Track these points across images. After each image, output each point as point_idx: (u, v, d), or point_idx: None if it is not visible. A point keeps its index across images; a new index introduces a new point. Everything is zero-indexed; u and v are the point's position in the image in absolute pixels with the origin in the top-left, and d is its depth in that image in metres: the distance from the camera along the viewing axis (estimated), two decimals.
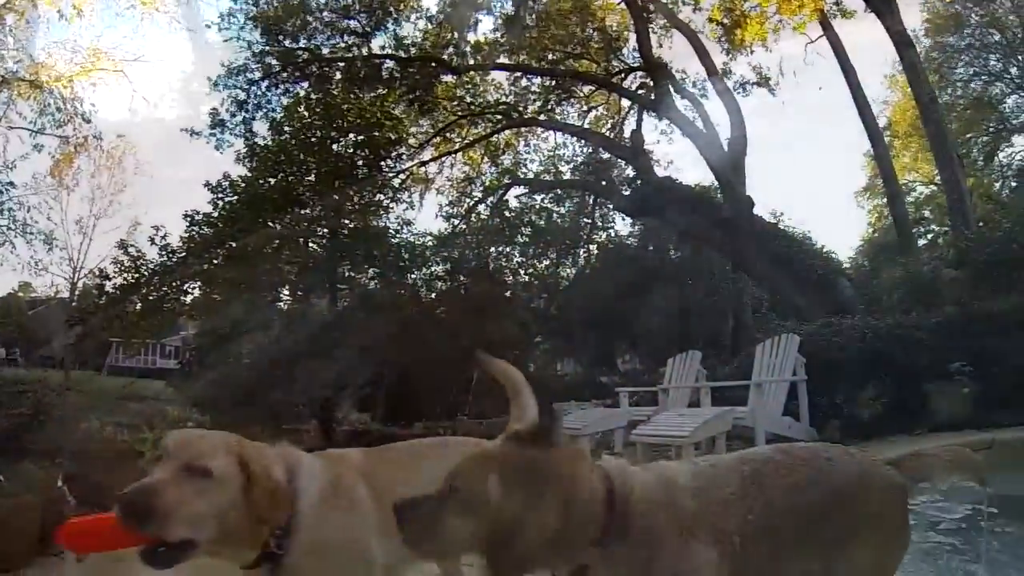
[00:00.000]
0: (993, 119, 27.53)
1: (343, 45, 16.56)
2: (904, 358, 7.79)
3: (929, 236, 25.03)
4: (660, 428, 6.31)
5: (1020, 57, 26.25)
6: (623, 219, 19.28)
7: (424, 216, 45.76)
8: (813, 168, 53.99)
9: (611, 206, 18.64)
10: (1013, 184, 27.27)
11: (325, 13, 16.31)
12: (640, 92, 18.11)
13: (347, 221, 12.06)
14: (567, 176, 19.53)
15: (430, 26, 17.14)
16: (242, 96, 16.10)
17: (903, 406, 7.40)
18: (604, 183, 18.28)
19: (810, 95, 52.19)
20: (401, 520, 1.59)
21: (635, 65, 17.99)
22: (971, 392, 7.29)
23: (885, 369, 7.76)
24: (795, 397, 7.41)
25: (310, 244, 12.01)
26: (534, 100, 19.24)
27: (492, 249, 17.96)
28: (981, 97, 27.14)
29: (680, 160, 40.50)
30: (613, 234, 19.92)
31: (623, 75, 18.82)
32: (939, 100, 25.86)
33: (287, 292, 12.24)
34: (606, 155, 18.70)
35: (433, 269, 15.16)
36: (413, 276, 13.82)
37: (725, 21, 17.17)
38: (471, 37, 17.54)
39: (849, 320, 8.72)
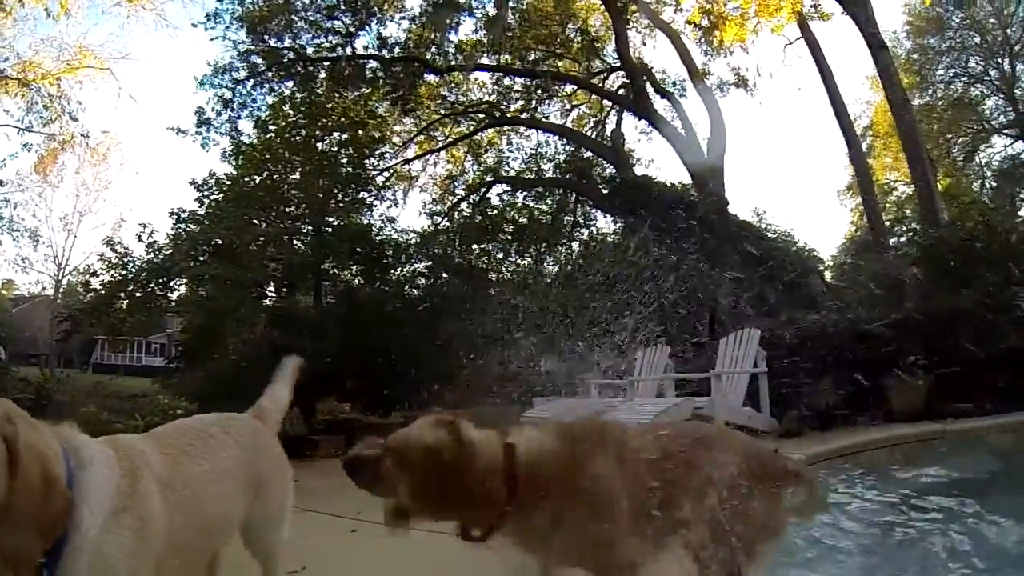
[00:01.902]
0: (973, 120, 27.92)
1: (327, 45, 16.84)
2: (863, 352, 8.13)
3: (909, 234, 25.46)
4: (622, 416, 6.60)
5: (1000, 60, 26.69)
6: (605, 216, 19.57)
7: (408, 213, 45.99)
8: (799, 167, 54.74)
9: (591, 203, 18.89)
10: (993, 184, 27.77)
11: (310, 13, 16.57)
12: (620, 92, 18.39)
13: (331, 219, 12.18)
14: (549, 174, 19.76)
15: (413, 26, 17.40)
16: (228, 95, 16.42)
17: (861, 397, 7.72)
18: (585, 181, 18.50)
19: (797, 95, 52.88)
20: (350, 473, 2.06)
21: (616, 65, 18.25)
22: (925, 385, 7.61)
23: (845, 362, 8.08)
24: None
25: (295, 241, 12.12)
26: (516, 99, 19.54)
27: (475, 246, 18.15)
28: (961, 98, 27.57)
29: (662, 159, 40.96)
30: (595, 231, 20.14)
31: (605, 75, 19.10)
32: (920, 100, 26.42)
33: (272, 288, 12.36)
34: (587, 153, 18.96)
35: (416, 266, 15.34)
36: (396, 273, 13.97)
37: (704, 23, 17.46)
38: (453, 37, 17.82)
39: (811, 315, 9.08)
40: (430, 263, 15.30)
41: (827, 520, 4.26)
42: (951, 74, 27.48)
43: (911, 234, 13.80)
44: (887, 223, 24.63)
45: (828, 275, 19.87)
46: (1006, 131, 27.46)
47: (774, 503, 2.17)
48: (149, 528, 1.65)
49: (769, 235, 17.18)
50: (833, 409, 7.50)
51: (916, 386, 7.58)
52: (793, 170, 60.82)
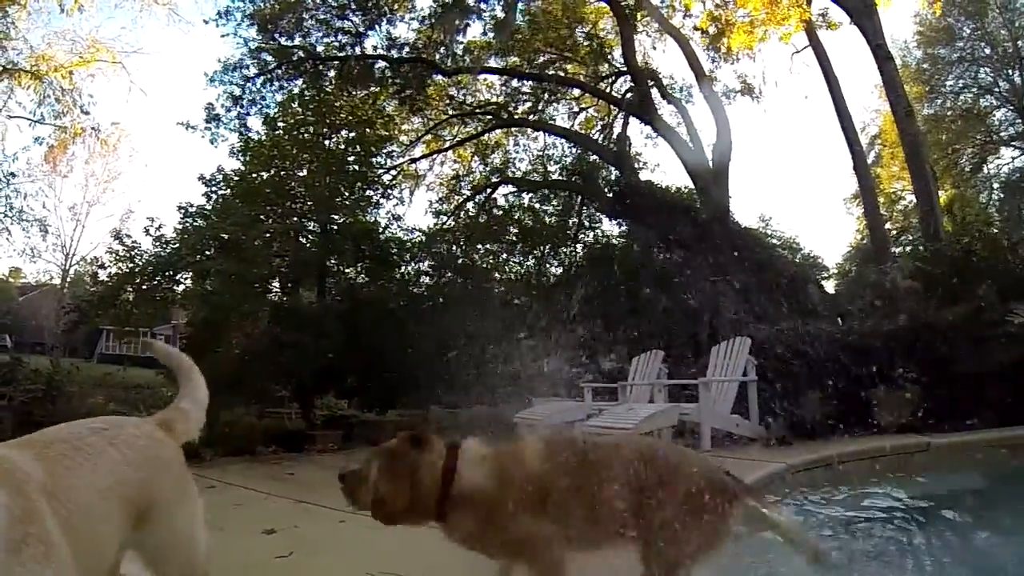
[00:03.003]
0: (981, 131, 27.88)
1: (337, 44, 17.02)
2: (854, 362, 8.22)
3: (909, 246, 25.50)
4: (609, 420, 6.75)
5: (1010, 71, 26.64)
6: (611, 220, 19.63)
7: (414, 212, 46.09)
8: (808, 174, 54.75)
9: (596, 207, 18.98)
10: (1001, 195, 27.77)
11: (320, 11, 16.74)
12: (628, 96, 18.45)
13: (337, 216, 12.27)
14: (556, 176, 19.86)
15: (422, 27, 17.55)
16: (237, 92, 16.63)
17: (849, 408, 7.81)
18: (589, 185, 18.57)
19: (806, 103, 52.82)
20: (343, 486, 2.51)
21: (623, 70, 18.32)
22: (914, 397, 7.69)
23: (836, 372, 8.17)
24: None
25: (300, 238, 12.23)
26: (524, 101, 19.65)
27: (479, 246, 18.25)
28: (971, 109, 27.51)
29: (668, 163, 41.00)
30: (600, 234, 20.20)
31: (612, 79, 19.19)
32: (929, 110, 26.41)
33: (277, 284, 12.48)
34: (593, 157, 19.03)
35: (420, 265, 15.44)
36: (400, 271, 14.08)
37: (711, 30, 17.52)
38: (462, 39, 17.96)
39: (805, 324, 9.18)
40: (434, 262, 15.40)
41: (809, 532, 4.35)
42: (960, 85, 27.48)
43: (910, 246, 13.86)
44: (893, 232, 24.72)
45: (833, 283, 19.99)
46: (1015, 143, 27.45)
47: (703, 518, 2.34)
48: (59, 552, 1.38)
49: (774, 241, 17.32)
50: (822, 419, 7.59)
51: (904, 399, 7.66)
52: (801, 177, 60.81)
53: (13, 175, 19.94)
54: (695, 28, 17.71)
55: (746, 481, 4.95)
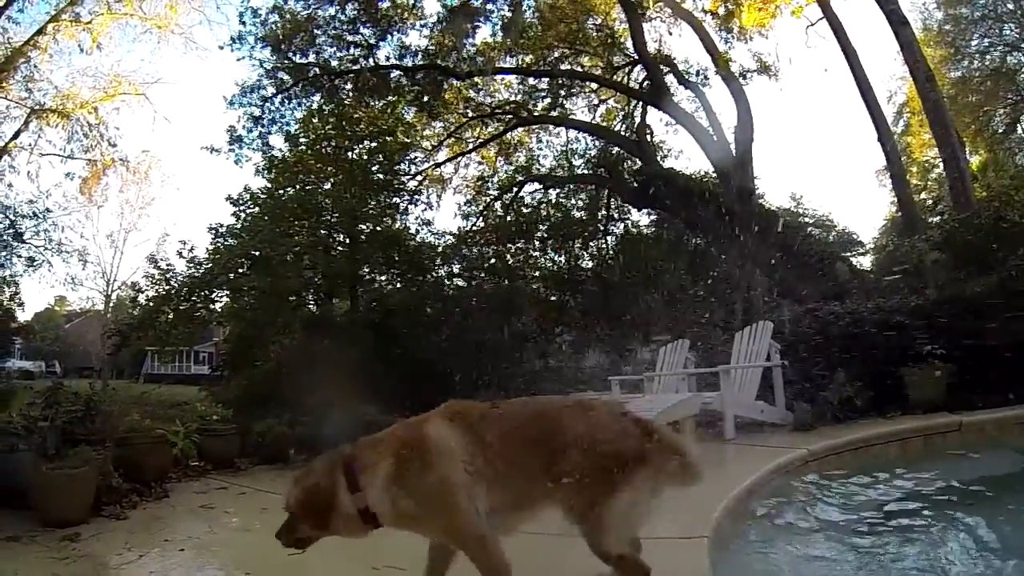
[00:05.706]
0: (1012, 90, 27.08)
1: (350, 57, 17.25)
2: (882, 341, 8.05)
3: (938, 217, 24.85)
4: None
5: None
6: (639, 210, 19.54)
7: (443, 215, 46.11)
8: (840, 149, 53.65)
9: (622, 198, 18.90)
10: None
11: (331, 27, 16.98)
12: (646, 84, 18.33)
13: (364, 226, 12.40)
14: (581, 170, 19.87)
15: (433, 33, 17.69)
16: (257, 112, 17.01)
17: (878, 389, 7.65)
18: (613, 176, 18.51)
19: (828, 77, 51.83)
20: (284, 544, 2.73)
21: (637, 59, 18.22)
22: (944, 375, 7.50)
23: (863, 352, 8.03)
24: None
25: (330, 250, 12.42)
26: (543, 97, 19.66)
27: (509, 245, 18.30)
28: (998, 68, 26.72)
29: (692, 149, 40.58)
30: (631, 225, 20.12)
31: (628, 68, 19.08)
32: (955, 73, 25.73)
33: (311, 296, 12.70)
34: (616, 148, 18.95)
35: (452, 268, 15.53)
36: (433, 276, 14.17)
37: (722, 11, 17.34)
38: (475, 41, 18.03)
39: (831, 304, 9.04)
40: (465, 264, 15.48)
41: (828, 520, 4.36)
42: (986, 44, 26.69)
43: (939, 216, 13.46)
44: (929, 202, 24.15)
45: (870, 258, 19.62)
46: None
47: (618, 476, 2.38)
48: None
49: (807, 220, 17.07)
50: (849, 401, 7.46)
51: (934, 377, 7.48)
52: (832, 152, 59.74)
53: (49, 210, 20.73)
54: (704, 11, 17.55)
55: (767, 467, 5.00)
